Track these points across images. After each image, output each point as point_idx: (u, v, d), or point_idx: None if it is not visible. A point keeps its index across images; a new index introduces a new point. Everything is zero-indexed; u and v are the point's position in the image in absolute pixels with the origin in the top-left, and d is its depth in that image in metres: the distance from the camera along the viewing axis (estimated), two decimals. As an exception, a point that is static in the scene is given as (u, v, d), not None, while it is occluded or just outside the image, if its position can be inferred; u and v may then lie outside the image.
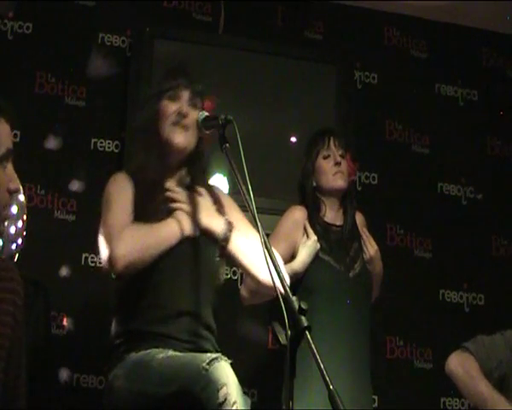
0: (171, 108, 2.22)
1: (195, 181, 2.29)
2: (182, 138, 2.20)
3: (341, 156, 2.78)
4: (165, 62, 3.14)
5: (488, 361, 2.53)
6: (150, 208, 2.17)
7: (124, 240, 2.04)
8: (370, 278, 2.78)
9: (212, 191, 2.33)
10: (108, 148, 3.25)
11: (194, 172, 2.30)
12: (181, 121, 2.20)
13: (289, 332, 1.54)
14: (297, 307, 1.57)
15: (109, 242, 2.06)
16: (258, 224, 1.78)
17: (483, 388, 2.47)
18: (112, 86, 3.30)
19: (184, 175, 2.30)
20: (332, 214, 2.79)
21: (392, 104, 3.70)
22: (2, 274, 1.67)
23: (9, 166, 1.64)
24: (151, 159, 2.22)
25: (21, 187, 1.68)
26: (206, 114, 2.19)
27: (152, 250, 2.09)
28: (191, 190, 2.27)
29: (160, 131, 2.22)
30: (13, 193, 1.65)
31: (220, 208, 2.29)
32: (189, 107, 2.22)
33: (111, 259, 2.03)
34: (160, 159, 2.23)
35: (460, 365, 2.54)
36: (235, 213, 2.30)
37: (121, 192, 2.20)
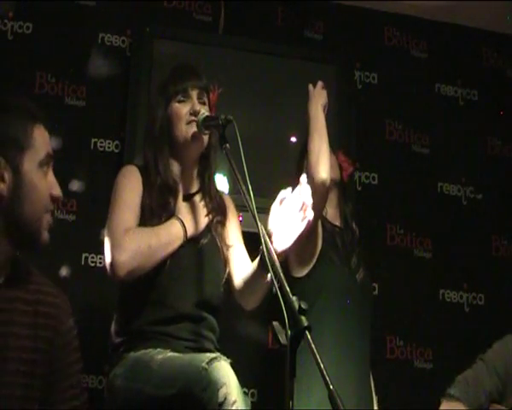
0: (182, 109, 2.24)
1: (205, 184, 2.30)
2: (198, 134, 2.22)
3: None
4: (165, 62, 3.14)
5: (477, 399, 2.50)
6: (159, 209, 2.18)
7: (126, 247, 2.04)
8: (372, 284, 2.82)
9: (219, 199, 2.33)
10: (108, 148, 3.25)
11: (204, 174, 2.31)
12: (194, 120, 2.21)
13: (289, 332, 1.54)
14: (297, 306, 1.57)
15: (112, 247, 2.05)
16: (258, 224, 1.78)
17: None
18: (112, 86, 3.30)
19: (195, 177, 2.31)
20: (332, 212, 2.81)
21: (392, 104, 3.70)
22: (49, 300, 1.68)
23: (50, 173, 1.66)
24: (165, 160, 2.22)
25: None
26: (207, 113, 2.20)
27: (155, 256, 2.09)
28: (201, 193, 2.28)
29: (176, 133, 2.23)
30: (55, 200, 1.65)
31: (222, 219, 2.30)
32: (199, 104, 2.24)
33: (113, 266, 2.04)
34: (173, 160, 2.24)
35: None
36: (233, 231, 2.33)
37: (130, 189, 2.20)
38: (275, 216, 2.01)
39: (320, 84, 2.73)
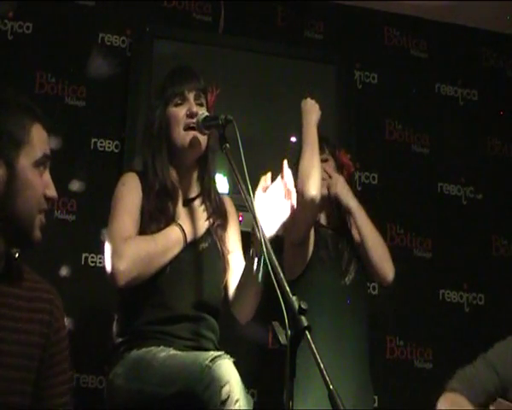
0: (180, 112, 2.23)
1: (205, 188, 2.29)
2: (196, 140, 2.21)
3: (324, 161, 2.77)
4: (165, 62, 3.14)
5: (475, 394, 2.50)
6: (158, 214, 2.18)
7: (125, 255, 2.04)
8: (365, 285, 2.81)
9: (219, 202, 2.33)
10: (108, 148, 3.25)
11: (204, 177, 2.30)
12: (192, 123, 2.20)
13: (289, 332, 1.54)
14: (297, 307, 1.57)
15: (111, 256, 2.06)
16: (259, 224, 1.78)
17: None
18: (112, 86, 3.30)
19: (195, 181, 2.30)
20: (324, 215, 2.82)
21: (392, 104, 3.70)
22: (44, 296, 1.69)
23: (46, 173, 1.65)
24: (163, 164, 2.22)
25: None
26: (206, 113, 2.20)
27: (154, 263, 2.10)
28: (201, 197, 2.28)
29: (173, 137, 2.23)
30: (49, 200, 1.65)
31: (223, 223, 2.30)
32: (196, 106, 2.23)
33: (113, 275, 2.04)
34: (172, 164, 2.24)
35: (448, 405, 2.54)
36: (233, 237, 2.33)
37: (129, 196, 2.19)
38: (259, 203, 2.03)
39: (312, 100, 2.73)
